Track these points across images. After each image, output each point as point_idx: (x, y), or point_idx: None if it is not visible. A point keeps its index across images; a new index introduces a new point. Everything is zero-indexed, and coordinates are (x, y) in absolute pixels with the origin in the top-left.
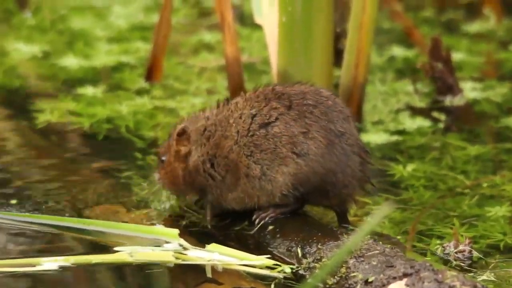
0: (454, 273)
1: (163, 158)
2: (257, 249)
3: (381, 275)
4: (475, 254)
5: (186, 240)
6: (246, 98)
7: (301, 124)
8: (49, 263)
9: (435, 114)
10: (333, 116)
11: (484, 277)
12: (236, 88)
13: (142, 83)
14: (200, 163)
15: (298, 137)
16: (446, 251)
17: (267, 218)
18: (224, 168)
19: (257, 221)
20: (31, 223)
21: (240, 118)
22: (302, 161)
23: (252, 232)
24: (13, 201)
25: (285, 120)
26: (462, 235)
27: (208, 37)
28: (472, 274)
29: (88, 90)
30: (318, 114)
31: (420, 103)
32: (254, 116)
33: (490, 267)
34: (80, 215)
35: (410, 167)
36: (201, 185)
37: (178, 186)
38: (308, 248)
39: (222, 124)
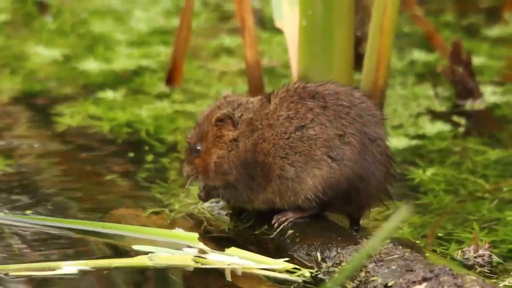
0: (474, 277)
1: (199, 147)
2: (277, 253)
3: (401, 280)
4: (495, 258)
5: (205, 244)
6: (281, 98)
7: (336, 126)
8: (69, 267)
9: (455, 118)
10: (367, 120)
11: (505, 282)
12: (256, 92)
13: (162, 87)
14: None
15: (334, 141)
16: (466, 256)
17: (286, 222)
18: (257, 170)
19: (276, 225)
20: (51, 226)
21: (278, 120)
22: (336, 165)
23: (271, 236)
24: (33, 204)
25: (320, 121)
26: (482, 240)
27: (229, 41)
28: (494, 280)
29: (108, 94)
30: (354, 115)
31: (440, 107)
32: (291, 118)
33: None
34: (100, 218)
35: (430, 172)
36: (233, 181)
37: (211, 176)
38: (328, 252)
39: (262, 123)
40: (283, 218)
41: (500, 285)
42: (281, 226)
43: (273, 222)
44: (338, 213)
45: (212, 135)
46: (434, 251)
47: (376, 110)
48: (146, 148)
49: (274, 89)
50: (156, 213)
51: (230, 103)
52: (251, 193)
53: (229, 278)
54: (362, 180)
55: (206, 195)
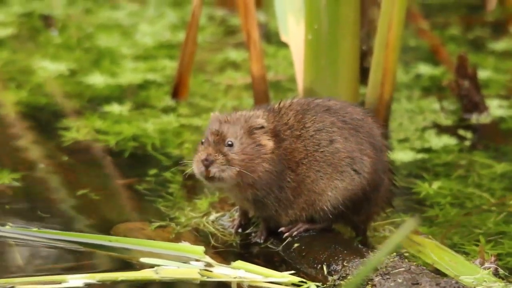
0: None
1: (231, 141)
2: (283, 266)
3: None
4: (501, 271)
5: (211, 257)
6: (296, 111)
7: (356, 139)
8: (75, 280)
9: (461, 132)
10: (374, 132)
11: None
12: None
13: (168, 101)
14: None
15: (356, 153)
16: None
17: (296, 232)
18: (292, 184)
19: (287, 234)
20: (57, 240)
21: (307, 132)
22: (357, 177)
23: (277, 249)
24: (39, 218)
25: (344, 135)
26: (487, 253)
27: (234, 55)
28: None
29: (114, 108)
30: (367, 129)
31: (446, 121)
32: (320, 131)
33: None
34: (106, 232)
35: (436, 185)
36: (263, 196)
37: (248, 184)
38: (334, 265)
39: (285, 133)
40: (294, 229)
41: None
42: (294, 234)
43: (283, 230)
44: (345, 225)
45: (252, 142)
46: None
47: (377, 123)
48: (152, 162)
49: (281, 101)
50: (162, 227)
51: (248, 116)
52: (279, 206)
53: None
54: (375, 190)
55: (239, 226)
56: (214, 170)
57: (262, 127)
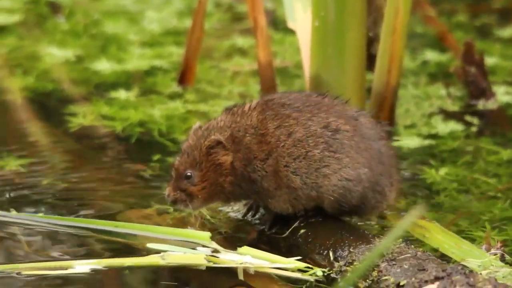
0: (486, 276)
1: (189, 173)
2: (289, 252)
3: (413, 279)
4: (507, 257)
5: (217, 243)
6: (258, 112)
7: (317, 120)
8: (81, 266)
9: (468, 118)
10: (339, 107)
11: None
12: (268, 92)
13: (175, 87)
14: (243, 169)
15: (325, 133)
16: None
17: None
18: (262, 172)
19: None
20: (64, 226)
21: (267, 129)
22: (341, 155)
23: (283, 236)
24: (45, 203)
25: (302, 123)
26: (494, 239)
27: (241, 41)
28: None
29: (121, 94)
30: (327, 106)
31: (453, 107)
32: (278, 127)
33: None
34: (112, 218)
35: (442, 171)
36: (251, 192)
37: (222, 199)
38: (340, 251)
39: (247, 131)
40: None
41: None
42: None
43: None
44: (383, 207)
45: (210, 164)
46: None
47: (338, 99)
48: (158, 147)
49: (236, 105)
50: (167, 212)
51: (208, 129)
52: (264, 196)
53: (241, 277)
54: (374, 157)
55: (248, 211)
56: (180, 206)
57: (219, 142)
